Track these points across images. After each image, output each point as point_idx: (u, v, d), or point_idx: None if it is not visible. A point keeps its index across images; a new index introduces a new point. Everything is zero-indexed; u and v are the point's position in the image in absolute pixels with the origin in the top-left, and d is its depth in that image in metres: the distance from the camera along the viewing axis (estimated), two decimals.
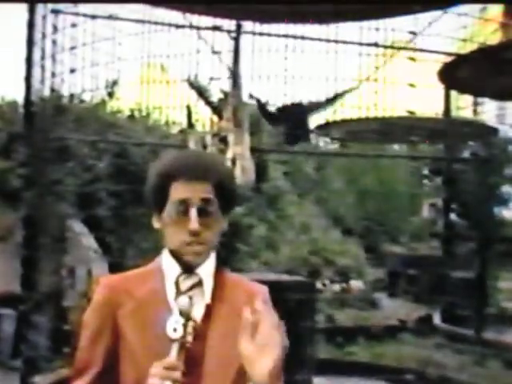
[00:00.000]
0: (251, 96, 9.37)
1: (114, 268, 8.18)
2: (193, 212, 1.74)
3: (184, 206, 1.75)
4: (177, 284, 1.76)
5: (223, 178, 1.83)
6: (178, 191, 1.77)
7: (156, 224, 1.85)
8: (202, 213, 1.75)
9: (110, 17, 8.27)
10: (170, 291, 1.76)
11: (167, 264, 1.81)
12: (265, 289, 1.91)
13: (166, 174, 1.79)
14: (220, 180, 1.81)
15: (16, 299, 7.49)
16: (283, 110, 9.17)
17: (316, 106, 9.36)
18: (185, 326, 1.61)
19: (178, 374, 1.58)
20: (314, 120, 11.32)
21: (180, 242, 1.76)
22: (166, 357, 1.61)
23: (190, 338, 1.63)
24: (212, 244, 1.81)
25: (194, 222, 1.73)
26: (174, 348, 1.60)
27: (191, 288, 1.75)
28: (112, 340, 1.75)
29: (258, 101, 9.37)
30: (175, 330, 1.60)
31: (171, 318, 1.62)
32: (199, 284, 1.77)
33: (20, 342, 7.37)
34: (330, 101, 9.21)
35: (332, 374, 7.87)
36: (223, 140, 7.57)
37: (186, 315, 1.63)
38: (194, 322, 1.66)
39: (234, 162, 7.49)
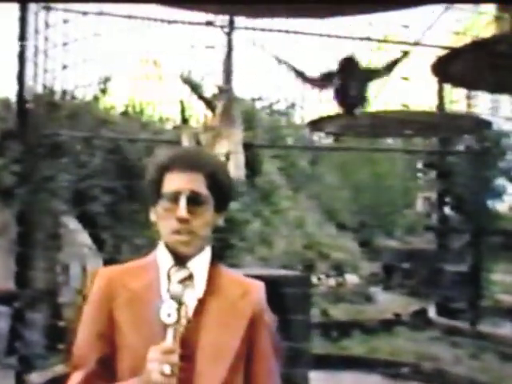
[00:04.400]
0: (278, 60, 8.60)
1: (109, 264, 8.16)
2: (182, 200, 1.77)
3: (175, 195, 1.78)
4: (169, 276, 1.79)
5: (216, 171, 1.86)
6: (171, 182, 1.80)
7: (152, 217, 1.88)
8: (192, 202, 1.78)
9: (101, 13, 8.23)
10: (164, 284, 1.79)
11: (161, 257, 1.84)
12: (261, 285, 1.93)
13: (161, 166, 1.84)
14: (213, 173, 1.84)
15: (10, 296, 7.47)
16: (337, 73, 8.28)
17: (375, 74, 8.56)
18: (178, 310, 1.64)
19: (175, 358, 1.61)
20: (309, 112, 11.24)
21: (169, 231, 1.79)
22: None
23: (183, 322, 1.67)
24: (201, 236, 1.83)
25: (182, 209, 1.76)
26: (170, 333, 1.63)
27: (182, 281, 1.77)
28: (108, 331, 1.78)
29: (290, 65, 8.61)
30: (169, 315, 1.63)
31: (164, 304, 1.65)
32: (190, 277, 1.79)
33: (15, 339, 7.34)
34: (389, 67, 8.46)
35: (327, 369, 7.88)
36: (215, 136, 7.55)
37: (178, 300, 1.65)
38: (186, 306, 1.70)
39: (227, 157, 7.48)
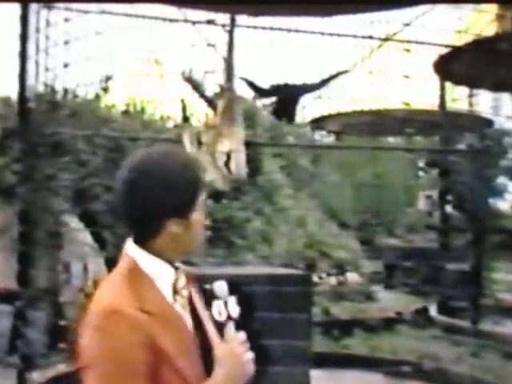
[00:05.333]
0: (241, 78, 9.52)
1: (110, 263, 8.16)
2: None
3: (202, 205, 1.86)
4: (174, 285, 1.77)
5: None
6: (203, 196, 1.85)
7: (176, 228, 1.76)
8: None
9: (103, 11, 8.24)
10: (167, 293, 1.75)
11: (151, 265, 1.76)
12: (192, 271, 1.99)
13: (200, 182, 1.84)
14: None
15: (12, 295, 7.48)
16: (276, 87, 9.43)
17: (309, 88, 9.56)
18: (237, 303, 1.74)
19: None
20: (310, 111, 11.30)
21: (201, 240, 1.87)
22: (196, 355, 1.72)
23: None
24: None
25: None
26: (233, 326, 1.72)
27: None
28: (156, 362, 1.65)
29: (247, 80, 9.53)
30: (235, 310, 1.72)
31: (227, 301, 1.73)
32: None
33: (16, 337, 7.35)
34: (323, 82, 9.36)
35: (329, 367, 7.88)
36: (217, 134, 7.56)
37: (224, 295, 1.74)
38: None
39: (228, 156, 7.48)
